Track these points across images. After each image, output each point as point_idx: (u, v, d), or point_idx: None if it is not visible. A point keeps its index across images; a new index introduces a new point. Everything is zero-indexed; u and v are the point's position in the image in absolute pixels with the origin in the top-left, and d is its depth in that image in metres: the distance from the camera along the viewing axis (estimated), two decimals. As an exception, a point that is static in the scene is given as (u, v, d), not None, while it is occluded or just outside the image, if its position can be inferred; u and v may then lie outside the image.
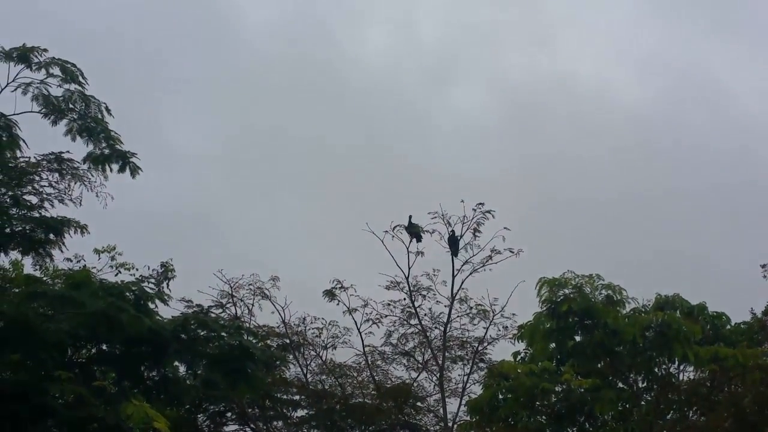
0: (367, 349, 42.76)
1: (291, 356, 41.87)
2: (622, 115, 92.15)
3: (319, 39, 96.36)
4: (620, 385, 38.30)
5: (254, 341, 33.60)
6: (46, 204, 28.34)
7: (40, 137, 28.28)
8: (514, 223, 39.55)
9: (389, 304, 41.79)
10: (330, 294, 40.73)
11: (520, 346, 41.18)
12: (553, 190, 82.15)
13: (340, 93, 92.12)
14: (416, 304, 41.02)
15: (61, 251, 28.85)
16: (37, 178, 28.28)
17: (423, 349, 43.36)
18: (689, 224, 78.46)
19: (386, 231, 38.38)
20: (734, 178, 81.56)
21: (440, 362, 41.49)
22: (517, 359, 40.95)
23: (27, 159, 28.23)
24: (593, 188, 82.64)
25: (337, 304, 40.97)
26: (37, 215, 28.15)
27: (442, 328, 41.40)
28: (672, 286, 40.81)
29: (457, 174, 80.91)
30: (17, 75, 27.38)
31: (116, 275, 29.73)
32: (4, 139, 27.27)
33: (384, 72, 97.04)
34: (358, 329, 41.84)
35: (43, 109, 27.48)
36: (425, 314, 41.67)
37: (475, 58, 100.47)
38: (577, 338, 38.20)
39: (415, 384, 44.43)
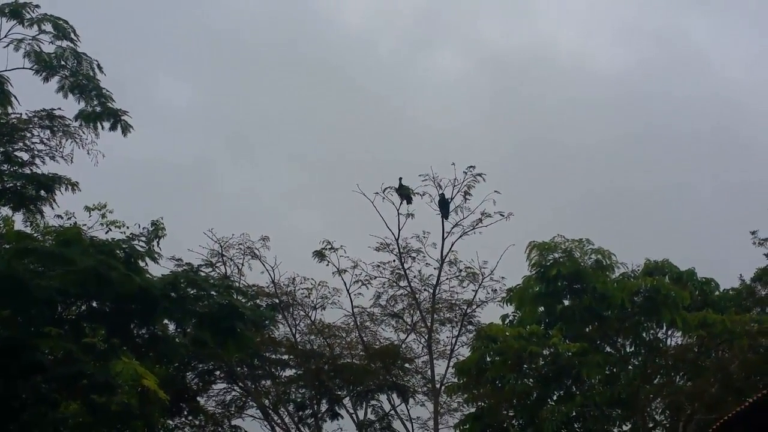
0: (356, 310, 42.88)
1: (280, 316, 41.98)
2: (601, 80, 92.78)
3: (295, 5, 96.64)
4: (608, 349, 38.53)
5: (244, 300, 33.65)
6: (38, 161, 28.30)
7: (32, 94, 28.20)
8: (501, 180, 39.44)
9: (379, 266, 41.85)
10: (320, 254, 40.75)
11: (509, 309, 41.41)
12: (530, 144, 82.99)
13: (319, 55, 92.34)
14: (406, 266, 41.11)
15: (52, 208, 28.81)
16: (29, 134, 28.19)
17: (412, 311, 43.44)
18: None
19: (377, 192, 38.40)
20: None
21: (429, 324, 41.62)
22: (506, 322, 41.14)
23: (18, 115, 28.13)
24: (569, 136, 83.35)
25: (327, 264, 41.05)
26: (29, 172, 28.09)
27: (431, 291, 41.51)
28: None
29: (438, 131, 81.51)
30: (9, 31, 27.25)
31: (106, 233, 29.65)
32: (-4, 95, 27.18)
33: (362, 35, 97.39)
34: (348, 290, 41.94)
35: (35, 66, 27.35)
36: (414, 276, 41.79)
37: (454, 25, 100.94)
38: (566, 302, 38.36)
39: (403, 345, 44.56)
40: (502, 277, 41.22)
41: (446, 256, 40.36)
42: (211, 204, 72.74)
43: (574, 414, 37.74)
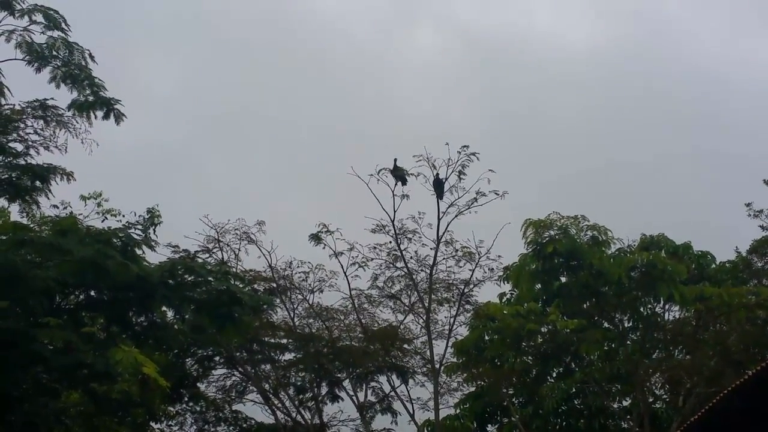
0: (353, 292, 42.83)
1: (278, 300, 41.93)
2: (580, 56, 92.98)
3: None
4: (606, 325, 38.63)
5: (241, 286, 33.65)
6: (32, 151, 28.26)
7: (25, 85, 28.18)
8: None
9: (375, 248, 41.80)
10: (316, 238, 40.71)
11: (506, 287, 41.51)
12: (513, 123, 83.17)
13: (298, 44, 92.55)
14: (402, 247, 41.03)
15: (48, 198, 28.82)
16: (22, 125, 28.16)
17: (409, 292, 43.39)
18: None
19: (371, 174, 38.34)
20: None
21: (427, 305, 41.58)
22: (503, 301, 41.25)
23: (11, 106, 28.09)
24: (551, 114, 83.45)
25: (323, 247, 41.02)
26: (23, 162, 28.08)
27: (428, 271, 41.46)
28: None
29: (420, 111, 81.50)
30: (0, 22, 27.21)
31: (103, 221, 29.67)
32: (-13, 86, 27.17)
33: (339, 18, 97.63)
34: (345, 273, 41.88)
35: (27, 57, 27.31)
36: (411, 257, 41.66)
37: (426, 7, 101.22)
38: (563, 279, 38.42)
39: (401, 326, 44.56)
40: (499, 256, 41.11)
41: (442, 236, 40.25)
42: (202, 189, 72.69)
43: (573, 390, 38.01)
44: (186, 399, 41.69)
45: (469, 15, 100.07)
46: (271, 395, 43.33)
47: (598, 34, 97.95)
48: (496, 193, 38.12)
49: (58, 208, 29.23)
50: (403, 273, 42.39)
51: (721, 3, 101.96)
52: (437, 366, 41.22)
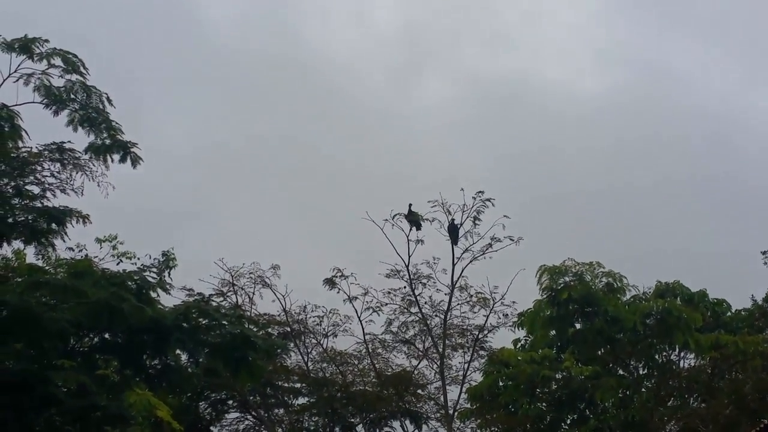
0: (367, 337, 42.91)
1: (292, 344, 41.90)
2: (587, 106, 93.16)
3: (283, 38, 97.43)
4: (621, 372, 38.47)
5: (255, 329, 33.63)
6: (48, 194, 28.31)
7: (42, 128, 28.28)
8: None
9: (389, 293, 41.85)
10: (330, 282, 40.79)
11: (521, 333, 41.46)
12: (522, 173, 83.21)
13: (310, 90, 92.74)
14: (416, 292, 41.08)
15: (63, 240, 28.82)
16: (39, 168, 28.24)
17: (423, 337, 43.41)
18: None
19: (386, 219, 38.46)
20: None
21: (441, 350, 41.54)
22: (518, 347, 41.13)
23: (29, 149, 28.19)
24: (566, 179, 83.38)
25: (338, 292, 41.07)
26: (40, 205, 28.11)
27: (443, 316, 41.46)
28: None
29: (433, 166, 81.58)
30: (19, 65, 27.37)
31: (118, 264, 29.73)
32: (6, 129, 27.20)
33: (349, 69, 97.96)
34: (359, 317, 42.00)
35: (45, 100, 27.45)
36: (425, 302, 41.74)
37: (436, 55, 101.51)
38: (578, 326, 38.35)
39: (415, 372, 44.52)
40: (513, 302, 41.21)
41: (457, 281, 40.37)
42: (217, 232, 72.69)
43: (588, 438, 37.71)
44: (199, 443, 41.59)
45: (477, 63, 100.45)
46: (284, 440, 43.27)
47: (606, 82, 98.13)
48: (510, 239, 38.25)
49: (73, 250, 29.31)
50: (417, 318, 42.40)
51: (731, 51, 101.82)
52: (451, 412, 41.10)
